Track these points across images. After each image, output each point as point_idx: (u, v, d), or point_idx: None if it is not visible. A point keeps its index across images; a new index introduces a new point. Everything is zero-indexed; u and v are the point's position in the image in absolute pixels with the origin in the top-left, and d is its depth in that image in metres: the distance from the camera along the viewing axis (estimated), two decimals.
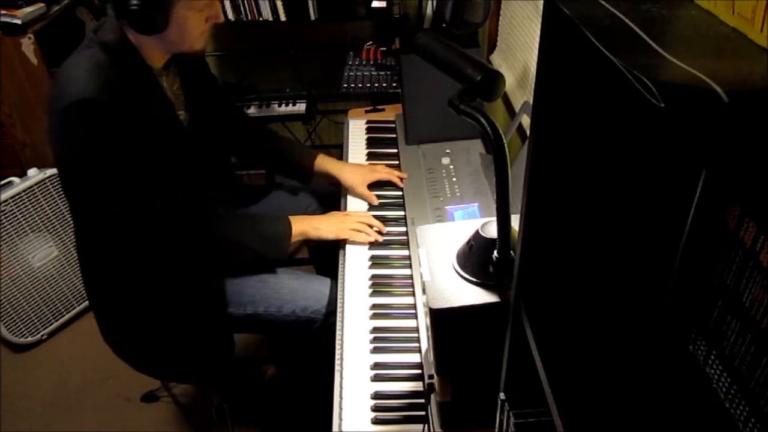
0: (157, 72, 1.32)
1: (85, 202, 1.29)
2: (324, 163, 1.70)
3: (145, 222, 1.29)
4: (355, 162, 1.81)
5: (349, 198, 1.68)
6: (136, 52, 1.25)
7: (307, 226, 1.48)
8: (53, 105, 1.18)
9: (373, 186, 1.70)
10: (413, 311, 1.33)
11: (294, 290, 1.51)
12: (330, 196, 1.77)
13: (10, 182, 2.16)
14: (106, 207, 1.25)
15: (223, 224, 1.42)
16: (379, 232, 1.53)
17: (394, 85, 2.25)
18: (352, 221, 1.51)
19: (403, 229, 1.56)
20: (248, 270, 1.51)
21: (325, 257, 1.75)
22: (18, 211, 2.16)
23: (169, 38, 1.25)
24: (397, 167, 1.75)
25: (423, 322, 1.26)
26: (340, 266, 1.48)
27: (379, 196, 1.67)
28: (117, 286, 1.40)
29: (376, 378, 1.21)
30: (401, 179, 1.68)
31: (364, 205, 1.66)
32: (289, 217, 1.48)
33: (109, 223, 1.28)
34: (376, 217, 1.61)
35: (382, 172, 1.69)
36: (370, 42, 2.46)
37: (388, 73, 2.32)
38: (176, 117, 1.36)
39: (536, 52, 0.58)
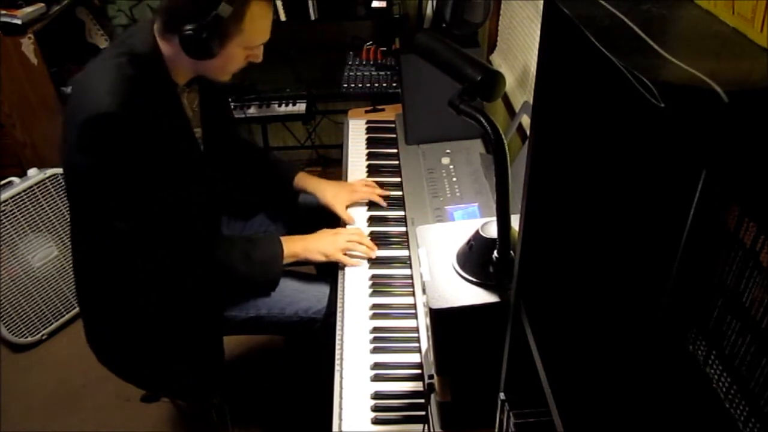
0: (180, 88, 1.31)
1: (90, 213, 1.28)
2: (304, 181, 1.67)
3: (149, 237, 1.27)
4: (354, 162, 1.82)
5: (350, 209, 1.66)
6: (165, 66, 1.24)
7: (299, 248, 1.45)
8: (73, 114, 1.16)
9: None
10: (413, 311, 1.33)
11: (296, 291, 1.51)
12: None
13: (10, 182, 2.16)
14: (111, 220, 1.23)
15: (220, 250, 1.40)
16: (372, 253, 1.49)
17: (394, 85, 2.25)
18: (343, 241, 1.48)
19: (403, 229, 1.56)
20: (241, 292, 1.49)
21: None
22: (18, 211, 2.16)
23: (208, 65, 1.24)
24: (397, 167, 1.75)
25: (423, 322, 1.26)
26: (340, 266, 1.48)
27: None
28: (110, 294, 1.38)
29: (376, 378, 1.21)
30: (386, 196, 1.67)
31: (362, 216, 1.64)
32: (281, 238, 1.46)
33: (112, 235, 1.26)
34: (376, 216, 1.61)
35: (362, 192, 1.66)
36: (370, 42, 2.47)
37: (388, 73, 2.33)
38: (192, 133, 1.35)
39: (536, 52, 0.58)
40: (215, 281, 1.41)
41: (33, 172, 2.20)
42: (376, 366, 1.24)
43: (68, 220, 2.29)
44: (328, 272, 1.57)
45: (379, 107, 2.08)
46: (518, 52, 1.89)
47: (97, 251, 1.34)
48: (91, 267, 1.38)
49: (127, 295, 1.38)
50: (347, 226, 1.59)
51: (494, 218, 0.84)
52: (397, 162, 1.78)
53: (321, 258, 1.46)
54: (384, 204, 1.66)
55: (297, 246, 1.45)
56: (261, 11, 1.21)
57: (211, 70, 1.28)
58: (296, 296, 1.50)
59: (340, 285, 1.43)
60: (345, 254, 1.47)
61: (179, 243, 1.31)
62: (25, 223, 2.19)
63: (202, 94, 1.40)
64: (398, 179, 1.71)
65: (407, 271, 1.44)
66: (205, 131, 1.42)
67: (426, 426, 1.08)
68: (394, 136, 1.89)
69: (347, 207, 1.63)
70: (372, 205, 1.66)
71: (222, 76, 1.30)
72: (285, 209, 1.77)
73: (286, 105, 2.46)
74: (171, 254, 1.31)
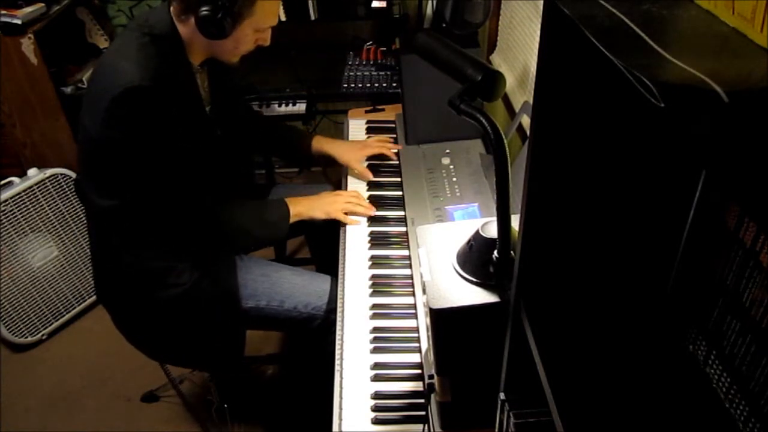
0: (195, 68, 1.38)
1: (114, 187, 1.33)
2: (319, 144, 1.79)
3: (168, 207, 1.34)
4: (356, 163, 1.82)
5: (350, 178, 1.74)
6: (183, 46, 1.32)
7: (302, 207, 1.55)
8: (99, 91, 1.22)
9: (374, 187, 1.71)
10: (413, 311, 1.33)
11: (296, 285, 1.53)
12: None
13: (10, 182, 2.16)
14: (138, 190, 1.30)
15: (229, 212, 1.46)
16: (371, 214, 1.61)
17: (394, 85, 2.25)
18: (343, 201, 1.58)
19: (403, 229, 1.56)
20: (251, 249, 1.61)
21: (326, 256, 1.75)
22: (18, 211, 2.16)
23: (220, 45, 1.33)
24: (397, 167, 1.75)
25: (423, 322, 1.26)
26: (340, 266, 1.48)
27: (379, 197, 1.67)
28: (134, 270, 1.41)
29: (376, 378, 1.21)
30: (395, 152, 1.78)
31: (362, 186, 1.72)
32: (285, 199, 1.55)
33: (136, 206, 1.33)
34: (376, 217, 1.61)
35: (374, 146, 1.80)
36: (370, 42, 2.46)
37: (388, 73, 2.32)
38: (205, 111, 1.43)
39: (536, 52, 0.58)
40: (227, 244, 1.49)
41: (33, 172, 2.20)
42: (376, 366, 1.24)
43: (68, 220, 2.30)
44: (329, 270, 1.58)
45: (379, 107, 2.08)
46: (518, 52, 1.89)
47: (119, 228, 1.38)
48: (111, 247, 1.41)
49: (151, 268, 1.41)
50: (351, 185, 1.72)
51: (494, 218, 0.84)
52: (397, 162, 1.78)
53: (322, 216, 1.56)
54: (394, 157, 1.78)
55: (301, 206, 1.56)
56: None
57: (223, 51, 1.36)
58: (296, 290, 1.52)
59: (340, 284, 1.43)
60: (345, 214, 1.57)
61: (192, 210, 1.38)
62: (25, 223, 2.19)
63: (211, 75, 1.48)
64: (398, 179, 1.71)
65: (407, 271, 1.44)
66: (214, 110, 1.50)
67: (426, 426, 1.08)
68: (394, 136, 1.89)
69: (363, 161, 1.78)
70: (368, 181, 1.67)
71: (232, 58, 1.39)
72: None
73: (286, 105, 2.46)
74: (194, 217, 1.39)
